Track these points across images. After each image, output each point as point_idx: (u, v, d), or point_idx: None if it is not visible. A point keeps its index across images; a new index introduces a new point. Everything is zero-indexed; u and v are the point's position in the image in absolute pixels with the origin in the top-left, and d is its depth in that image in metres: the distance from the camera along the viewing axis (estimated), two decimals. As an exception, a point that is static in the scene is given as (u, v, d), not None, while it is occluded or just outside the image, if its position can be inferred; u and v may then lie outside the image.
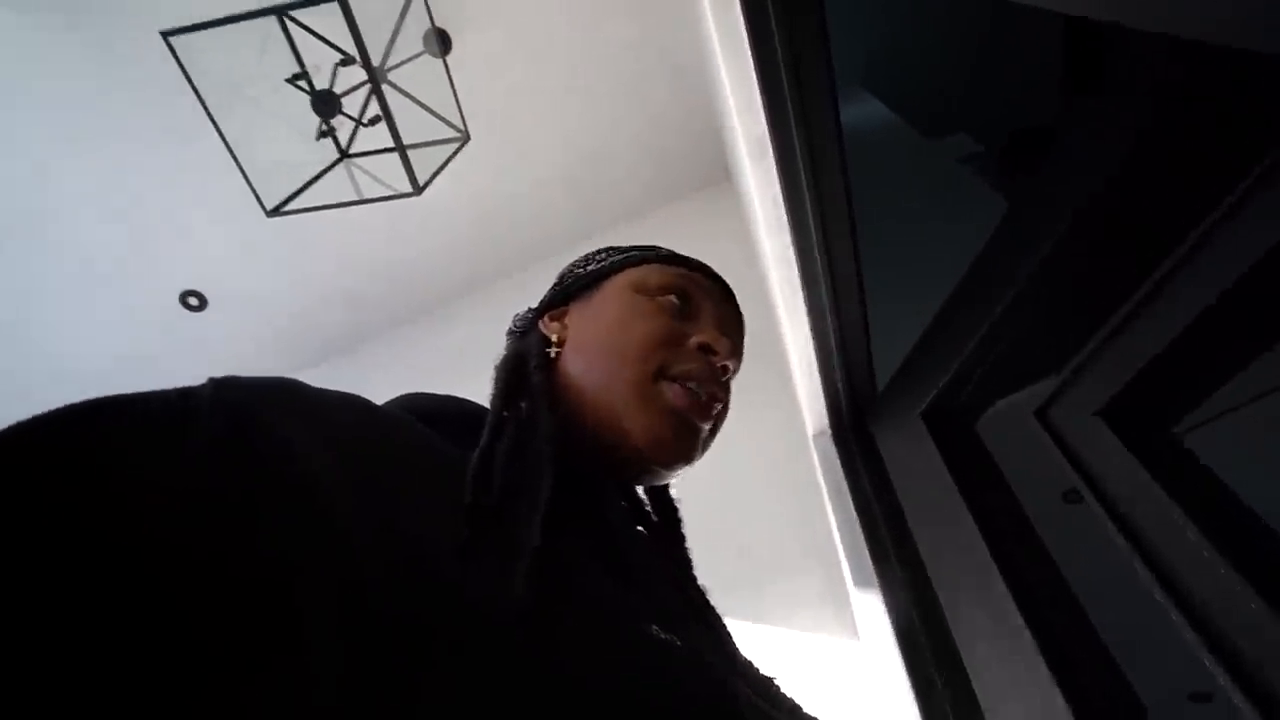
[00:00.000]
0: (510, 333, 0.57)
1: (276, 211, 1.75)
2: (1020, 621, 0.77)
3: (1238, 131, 0.62)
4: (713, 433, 0.50)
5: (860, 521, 1.12)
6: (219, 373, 0.34)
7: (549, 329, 0.51)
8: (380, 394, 0.46)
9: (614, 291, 0.51)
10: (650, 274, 0.52)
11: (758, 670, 0.50)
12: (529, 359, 0.48)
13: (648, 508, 0.53)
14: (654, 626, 0.34)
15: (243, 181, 1.72)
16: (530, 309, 0.57)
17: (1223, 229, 0.61)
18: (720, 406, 0.49)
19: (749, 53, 0.78)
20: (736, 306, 0.56)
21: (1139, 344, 0.65)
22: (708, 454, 0.50)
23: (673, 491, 0.54)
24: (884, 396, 1.18)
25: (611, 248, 0.57)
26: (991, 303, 0.87)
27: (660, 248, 0.57)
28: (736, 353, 0.50)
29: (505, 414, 0.43)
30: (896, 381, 1.14)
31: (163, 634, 0.22)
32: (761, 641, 1.38)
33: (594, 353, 0.48)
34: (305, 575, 0.25)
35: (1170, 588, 0.61)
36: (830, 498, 1.23)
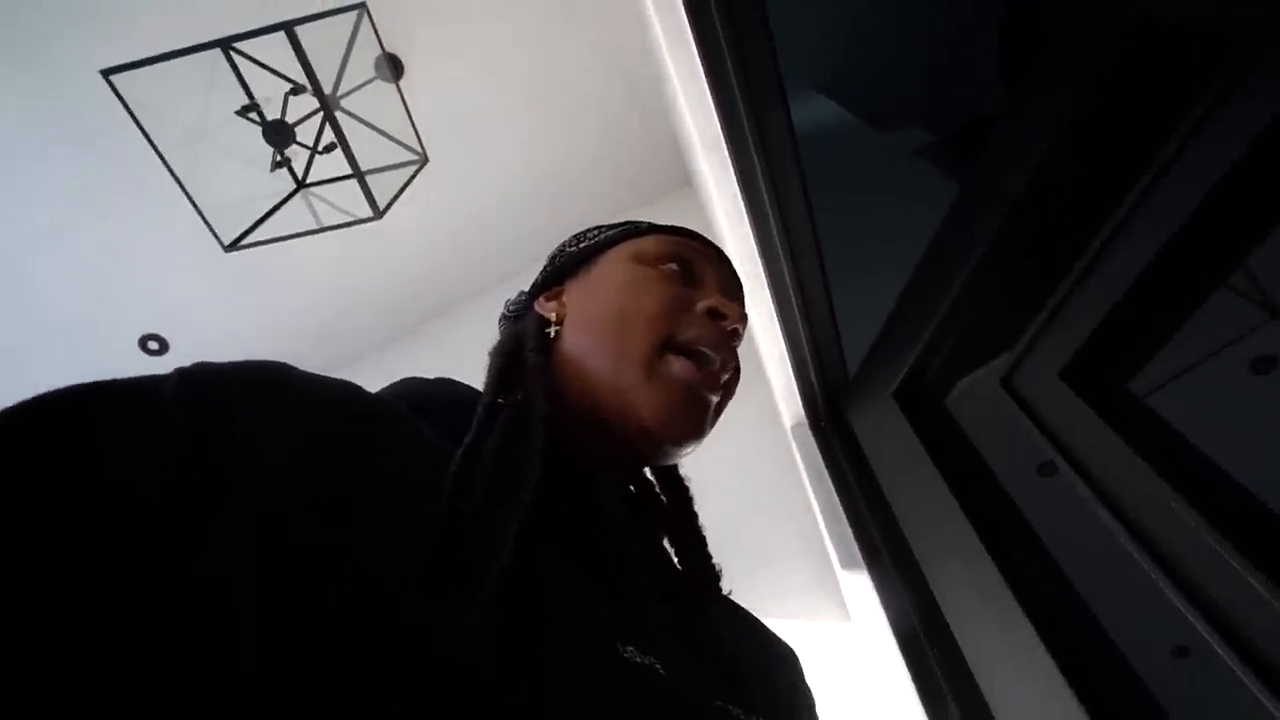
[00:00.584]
0: (504, 318, 0.55)
1: (235, 246, 1.73)
2: (1006, 590, 0.79)
3: (1165, 99, 0.65)
4: (723, 403, 0.48)
5: (843, 507, 1.14)
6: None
7: (546, 309, 0.49)
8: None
9: (613, 263, 0.49)
10: (647, 244, 0.50)
11: (778, 662, 0.48)
12: (526, 341, 0.46)
13: (657, 489, 0.51)
14: (630, 648, 0.32)
15: (198, 219, 1.70)
16: (523, 292, 0.55)
17: (1155, 193, 0.64)
18: (731, 373, 0.48)
19: (696, 52, 0.80)
20: (734, 271, 0.54)
21: (1090, 305, 0.68)
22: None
23: (681, 470, 0.53)
24: (856, 381, 1.21)
25: (600, 226, 0.55)
26: (950, 279, 0.90)
27: (655, 224, 0.55)
28: (743, 316, 0.48)
29: (499, 401, 0.40)
30: (867, 365, 1.17)
31: (110, 641, 0.22)
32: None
33: (598, 325, 0.46)
34: (250, 594, 0.24)
35: (1141, 542, 0.63)
36: (812, 486, 1.25)
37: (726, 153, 0.88)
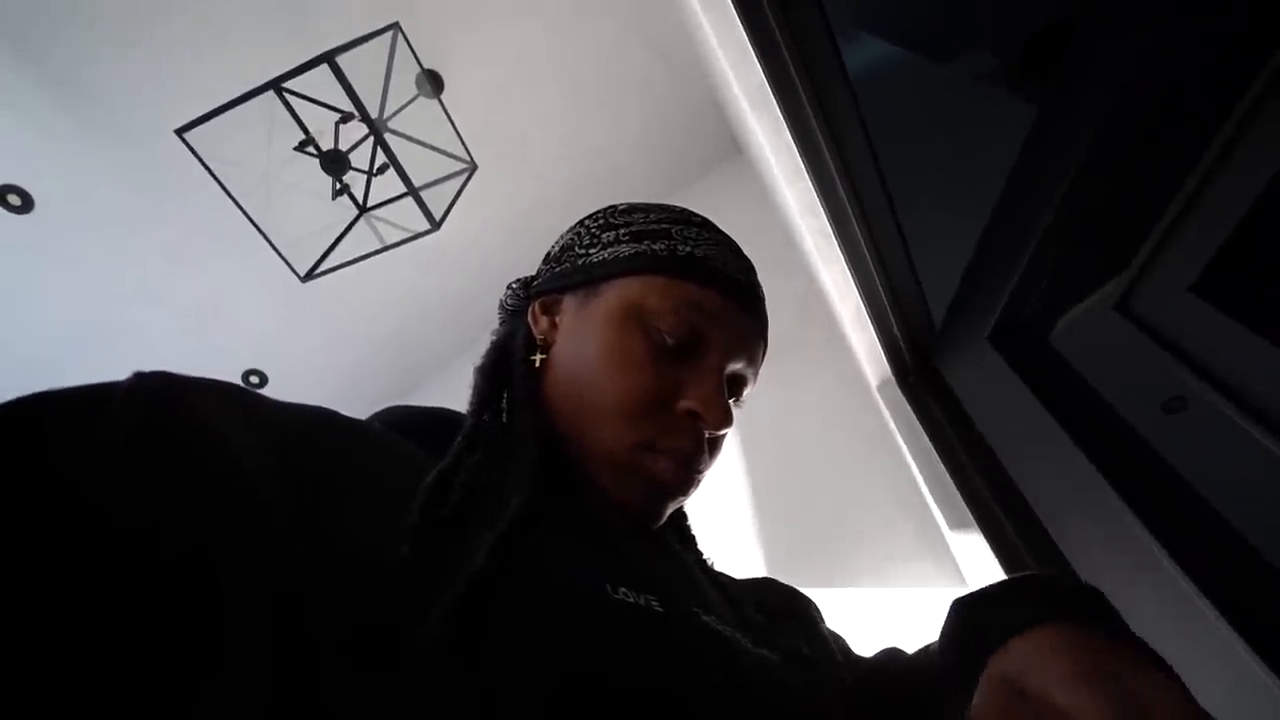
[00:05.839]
0: (502, 307, 0.53)
1: (310, 276, 1.82)
2: (1147, 535, 0.71)
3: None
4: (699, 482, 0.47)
5: (945, 465, 1.07)
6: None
7: (538, 324, 0.47)
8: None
9: (611, 306, 0.44)
10: (655, 293, 0.44)
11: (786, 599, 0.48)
12: (514, 366, 0.45)
13: None
14: (622, 589, 0.32)
15: (276, 255, 1.79)
16: (524, 282, 0.52)
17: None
18: (705, 471, 0.46)
19: (731, 4, 0.75)
20: (757, 316, 0.48)
21: (1222, 209, 0.59)
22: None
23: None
24: (944, 329, 1.13)
25: (630, 216, 0.48)
26: (1041, 206, 0.81)
27: (680, 238, 0.47)
28: (729, 419, 0.43)
29: (484, 420, 0.41)
30: (954, 311, 1.09)
31: (84, 624, 0.22)
32: (862, 603, 1.33)
33: (576, 389, 0.43)
34: (222, 560, 0.24)
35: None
36: (908, 446, 1.18)
37: (776, 107, 0.83)
